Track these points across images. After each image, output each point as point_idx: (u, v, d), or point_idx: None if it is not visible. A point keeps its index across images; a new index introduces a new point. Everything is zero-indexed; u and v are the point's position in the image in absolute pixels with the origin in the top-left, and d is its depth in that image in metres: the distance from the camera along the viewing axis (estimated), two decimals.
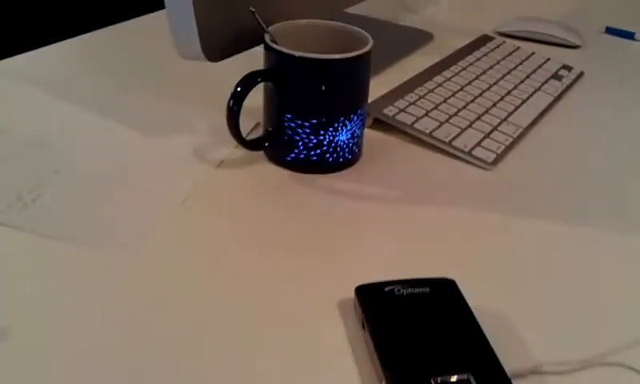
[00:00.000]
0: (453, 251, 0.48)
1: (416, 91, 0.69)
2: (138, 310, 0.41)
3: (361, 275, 0.45)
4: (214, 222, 0.49)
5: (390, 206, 0.53)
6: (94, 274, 0.43)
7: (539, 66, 0.80)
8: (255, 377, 0.37)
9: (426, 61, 0.78)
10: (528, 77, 0.77)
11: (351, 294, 0.42)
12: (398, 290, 0.41)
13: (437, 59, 0.79)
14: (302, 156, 0.55)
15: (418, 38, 0.87)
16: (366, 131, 0.63)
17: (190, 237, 0.48)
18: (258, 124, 0.62)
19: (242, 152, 0.57)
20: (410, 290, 0.41)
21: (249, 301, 0.42)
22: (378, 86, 0.69)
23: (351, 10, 0.92)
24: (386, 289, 0.42)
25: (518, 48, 0.85)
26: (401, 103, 0.66)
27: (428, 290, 0.42)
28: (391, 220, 0.51)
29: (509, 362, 0.38)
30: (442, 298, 0.41)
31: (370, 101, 0.66)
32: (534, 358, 0.40)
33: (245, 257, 0.46)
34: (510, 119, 0.67)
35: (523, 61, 0.81)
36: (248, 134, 0.61)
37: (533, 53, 0.84)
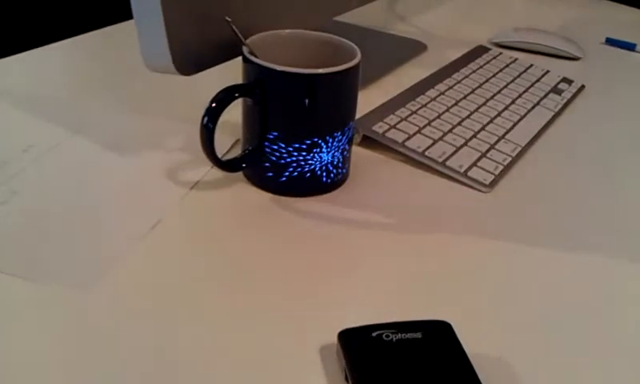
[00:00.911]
0: (447, 287, 0.44)
1: (408, 106, 0.65)
2: (100, 351, 0.36)
3: (347, 315, 0.40)
4: (186, 252, 0.45)
5: (378, 234, 0.48)
6: (52, 311, 0.39)
7: (538, 79, 0.76)
8: None
9: (419, 73, 0.74)
10: (526, 90, 0.73)
11: (334, 338, 0.37)
12: (387, 336, 0.37)
13: (430, 71, 0.74)
14: (285, 177, 0.51)
15: (411, 49, 0.83)
16: (354, 149, 0.59)
17: (158, 270, 0.43)
18: (238, 141, 0.57)
19: (219, 172, 0.53)
20: (400, 336, 0.37)
21: (219, 342, 0.38)
22: (367, 100, 0.65)
23: (339, 18, 0.88)
24: (374, 334, 0.37)
25: (516, 60, 0.81)
26: (392, 119, 0.62)
27: (420, 335, 0.37)
28: (380, 250, 0.47)
29: None
30: (436, 344, 0.37)
31: (358, 116, 0.61)
32: None
33: (218, 292, 0.41)
34: (507, 137, 0.62)
35: (521, 73, 0.77)
36: (227, 153, 0.56)
37: (531, 65, 0.80)
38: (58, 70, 0.71)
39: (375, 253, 0.46)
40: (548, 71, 0.79)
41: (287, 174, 0.50)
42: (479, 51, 0.82)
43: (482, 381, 0.35)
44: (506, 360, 0.38)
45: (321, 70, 0.48)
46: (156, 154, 0.55)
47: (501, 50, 0.85)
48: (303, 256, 0.45)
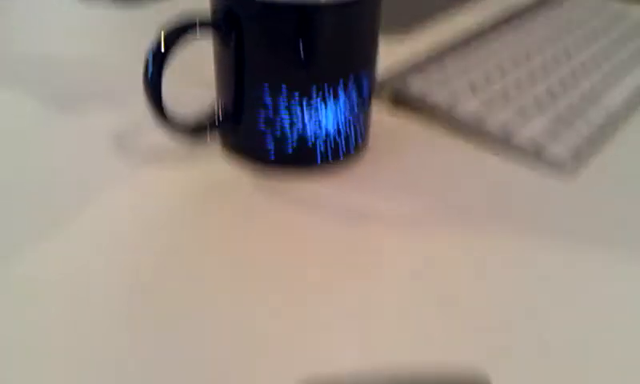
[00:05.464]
0: (489, 322, 0.28)
1: (460, 56, 0.48)
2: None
3: (334, 352, 0.25)
4: (125, 248, 0.31)
5: (397, 235, 0.33)
6: None
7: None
8: None
9: (477, 14, 0.57)
10: (625, 38, 0.54)
11: None
12: None
13: (493, 10, 0.57)
14: (268, 146, 0.36)
15: None
16: (380, 116, 0.43)
17: (80, 268, 0.29)
18: None
19: (186, 139, 0.39)
20: None
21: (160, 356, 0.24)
22: (403, 50, 0.48)
23: None
24: None
25: None
26: (434, 73, 0.45)
27: None
28: (398, 261, 0.31)
29: None
30: None
31: (389, 69, 0.45)
32: None
33: (159, 297, 0.27)
34: (599, 99, 0.45)
35: (617, 17, 0.59)
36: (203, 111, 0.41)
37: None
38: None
39: (390, 263, 0.31)
40: None
41: (272, 141, 0.35)
42: None
43: None
44: None
45: (322, 1, 0.32)
46: (107, 113, 0.41)
47: None
48: (282, 261, 0.30)
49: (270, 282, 0.30)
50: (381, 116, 0.43)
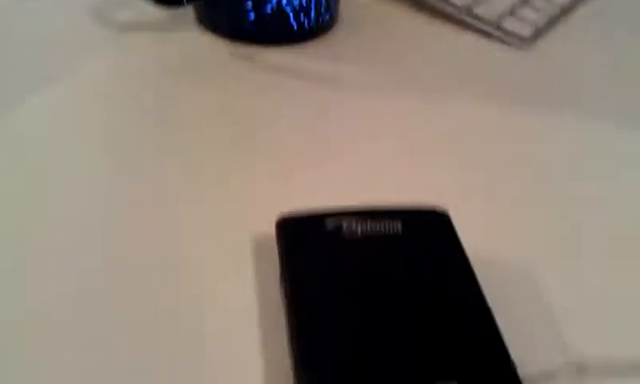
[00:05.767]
0: (451, 169, 0.31)
1: None
2: None
3: (305, 197, 0.28)
4: (103, 116, 0.33)
5: (366, 99, 0.35)
6: None
7: None
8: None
9: None
10: None
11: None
12: (350, 227, 0.25)
13: None
14: (247, 16, 0.37)
15: None
16: None
17: (61, 135, 0.31)
18: None
19: (158, 10, 0.40)
20: (369, 227, 0.25)
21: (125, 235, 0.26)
22: None
23: None
24: (329, 223, 0.25)
25: None
26: None
27: (400, 227, 0.25)
28: (365, 119, 0.34)
29: (526, 359, 0.22)
30: (423, 242, 0.24)
31: None
32: (571, 350, 0.23)
33: (141, 157, 0.30)
34: None
35: None
36: None
37: None
38: None
39: (359, 121, 0.34)
40: None
41: (251, 9, 0.37)
42: None
43: (487, 297, 0.23)
44: (527, 274, 0.26)
45: None
46: None
47: None
48: (255, 122, 0.33)
49: (246, 140, 0.32)
50: None
